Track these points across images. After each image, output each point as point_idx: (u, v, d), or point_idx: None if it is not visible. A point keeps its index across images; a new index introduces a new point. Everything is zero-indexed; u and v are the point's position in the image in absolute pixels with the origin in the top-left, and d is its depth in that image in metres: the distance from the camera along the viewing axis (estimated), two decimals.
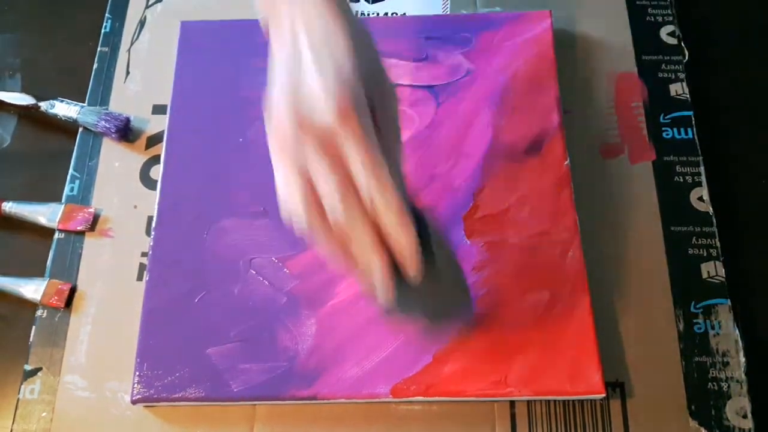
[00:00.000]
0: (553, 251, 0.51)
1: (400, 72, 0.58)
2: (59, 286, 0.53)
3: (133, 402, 0.48)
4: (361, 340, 0.49)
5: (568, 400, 0.49)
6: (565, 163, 0.54)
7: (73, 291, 0.53)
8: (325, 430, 0.49)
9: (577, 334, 0.48)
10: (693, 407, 0.49)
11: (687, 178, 0.56)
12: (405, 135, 0.55)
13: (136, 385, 0.48)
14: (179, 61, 0.59)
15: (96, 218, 0.56)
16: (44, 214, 0.56)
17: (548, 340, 0.48)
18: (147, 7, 0.65)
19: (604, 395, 0.47)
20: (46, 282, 0.53)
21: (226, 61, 0.59)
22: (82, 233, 0.55)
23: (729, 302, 0.52)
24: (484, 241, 0.52)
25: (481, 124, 0.56)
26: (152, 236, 0.53)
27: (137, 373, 0.48)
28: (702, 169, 0.56)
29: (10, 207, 0.56)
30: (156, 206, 0.54)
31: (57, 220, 0.55)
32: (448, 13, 0.64)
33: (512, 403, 0.49)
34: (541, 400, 0.49)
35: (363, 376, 0.48)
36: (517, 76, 0.58)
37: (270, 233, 0.53)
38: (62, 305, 0.53)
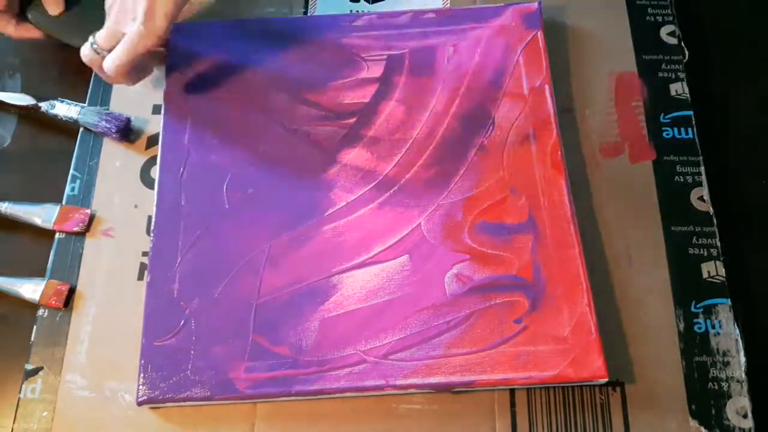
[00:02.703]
0: (552, 238, 0.52)
1: (394, 66, 0.59)
2: (58, 287, 0.53)
3: (139, 403, 0.48)
4: (365, 334, 0.49)
5: (570, 400, 0.49)
6: (559, 153, 0.54)
7: (71, 291, 0.53)
8: (325, 428, 0.49)
9: (577, 320, 0.49)
10: (693, 407, 0.49)
11: (687, 177, 0.56)
12: (403, 129, 0.56)
13: (141, 387, 0.48)
14: (171, 61, 0.59)
15: (92, 219, 0.56)
16: (39, 215, 0.56)
17: (549, 327, 0.49)
18: None
19: (607, 379, 0.47)
20: (44, 282, 0.53)
21: (219, 61, 0.59)
22: (83, 233, 0.55)
23: (729, 302, 0.52)
24: (484, 227, 0.52)
25: (474, 115, 0.56)
26: (152, 236, 0.53)
27: (142, 375, 0.49)
28: (702, 168, 0.56)
29: (6, 207, 0.56)
30: (155, 206, 0.54)
31: (53, 221, 0.55)
32: None
33: (512, 402, 0.49)
34: (542, 389, 0.49)
35: (367, 369, 0.48)
36: (509, 67, 0.58)
37: (268, 230, 0.53)
38: (61, 305, 0.53)
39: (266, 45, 0.60)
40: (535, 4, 0.60)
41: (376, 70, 0.59)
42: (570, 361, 0.48)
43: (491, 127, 0.56)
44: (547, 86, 0.57)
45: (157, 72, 0.61)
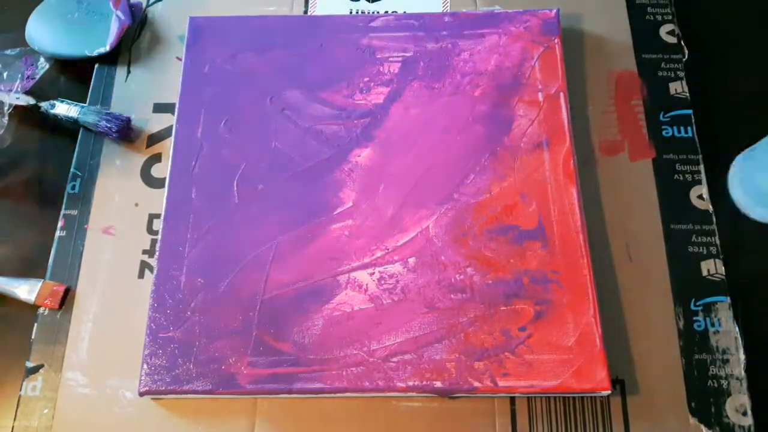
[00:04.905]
0: (560, 247, 0.52)
1: (409, 68, 0.59)
2: (54, 288, 0.53)
3: (141, 394, 0.48)
4: (368, 335, 0.49)
5: (570, 398, 0.49)
6: (572, 161, 0.54)
7: (67, 292, 0.53)
8: (325, 424, 0.49)
9: (582, 331, 0.49)
10: (693, 404, 0.49)
11: (687, 176, 0.56)
12: (419, 136, 0.56)
13: (143, 378, 0.48)
14: (188, 56, 0.60)
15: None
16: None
17: (554, 337, 0.49)
18: (148, 5, 0.65)
19: (609, 392, 0.47)
20: (40, 283, 0.53)
21: (233, 56, 0.59)
22: (83, 233, 0.56)
23: (729, 300, 0.52)
24: (493, 233, 0.52)
25: (488, 119, 0.56)
26: (161, 230, 0.53)
27: (145, 366, 0.49)
28: (702, 167, 0.56)
29: None
30: (164, 200, 0.54)
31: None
32: (448, 11, 0.64)
33: (512, 400, 0.50)
34: (543, 397, 0.49)
35: (369, 370, 0.48)
36: (524, 73, 0.58)
37: (276, 227, 0.53)
38: (56, 306, 0.53)
39: (282, 42, 0.60)
40: (553, 12, 0.60)
41: (391, 72, 0.59)
42: (573, 371, 0.48)
43: (504, 133, 0.56)
44: (562, 94, 0.57)
45: (160, 70, 0.62)
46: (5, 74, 0.61)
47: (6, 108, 0.60)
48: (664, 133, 0.58)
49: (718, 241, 0.54)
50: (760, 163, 0.51)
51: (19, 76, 0.61)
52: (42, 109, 0.60)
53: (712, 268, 0.53)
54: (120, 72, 0.62)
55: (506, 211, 0.53)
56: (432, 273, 0.51)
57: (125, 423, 0.49)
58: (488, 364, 0.48)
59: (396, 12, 0.64)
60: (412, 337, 0.49)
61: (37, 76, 0.61)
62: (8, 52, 0.62)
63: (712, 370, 0.50)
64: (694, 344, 0.51)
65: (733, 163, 0.55)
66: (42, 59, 0.62)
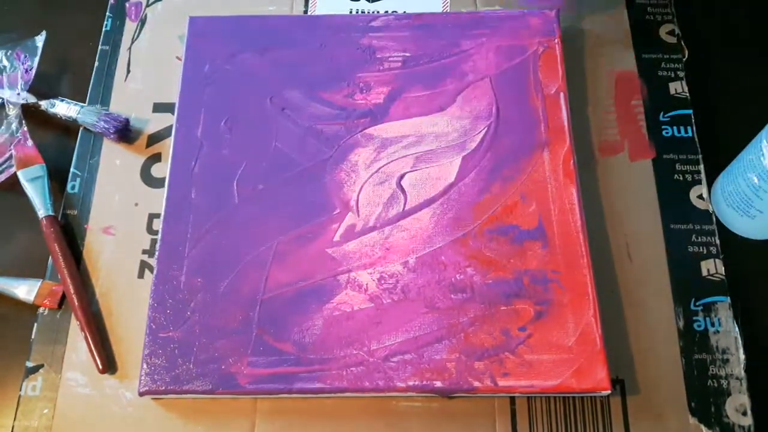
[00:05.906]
0: (560, 247, 0.52)
1: (409, 68, 0.59)
2: (53, 288, 0.53)
3: (141, 394, 0.48)
4: (368, 335, 0.49)
5: (570, 398, 0.49)
6: (572, 161, 0.54)
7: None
8: (325, 424, 0.49)
9: (582, 331, 0.48)
10: (693, 404, 0.49)
11: (687, 176, 0.56)
12: (415, 131, 0.56)
13: (143, 378, 0.48)
14: (187, 56, 0.59)
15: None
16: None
17: (554, 336, 0.49)
18: (147, 5, 0.65)
19: (609, 391, 0.47)
20: (39, 283, 0.53)
21: (233, 56, 0.59)
22: (83, 231, 0.56)
23: (729, 300, 0.52)
24: (493, 233, 0.52)
25: (490, 121, 0.56)
26: (160, 229, 0.53)
27: (145, 366, 0.49)
28: (701, 167, 0.56)
29: None
30: (164, 199, 0.54)
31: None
32: (448, 11, 0.64)
33: (512, 400, 0.50)
34: (543, 397, 0.49)
35: (369, 370, 0.48)
36: (524, 75, 0.58)
37: (276, 227, 0.53)
38: (55, 306, 0.53)
39: (281, 41, 0.60)
40: (553, 12, 0.60)
41: (391, 71, 0.59)
42: (573, 371, 0.47)
43: (504, 133, 0.56)
44: (562, 94, 0.57)
45: (159, 70, 0.62)
46: (8, 70, 0.61)
47: (13, 109, 0.60)
48: (664, 133, 0.58)
49: (717, 241, 0.54)
50: (738, 170, 0.52)
51: (18, 71, 0.61)
52: (42, 107, 0.60)
53: (711, 267, 0.53)
54: (120, 72, 0.62)
55: (506, 211, 0.53)
56: (432, 273, 0.51)
57: (125, 423, 0.49)
58: (488, 364, 0.48)
59: (396, 12, 0.64)
60: (412, 337, 0.49)
61: (35, 64, 0.61)
62: (2, 49, 0.62)
63: (712, 370, 0.50)
64: (694, 344, 0.51)
65: (716, 181, 0.56)
66: (33, 45, 0.61)
